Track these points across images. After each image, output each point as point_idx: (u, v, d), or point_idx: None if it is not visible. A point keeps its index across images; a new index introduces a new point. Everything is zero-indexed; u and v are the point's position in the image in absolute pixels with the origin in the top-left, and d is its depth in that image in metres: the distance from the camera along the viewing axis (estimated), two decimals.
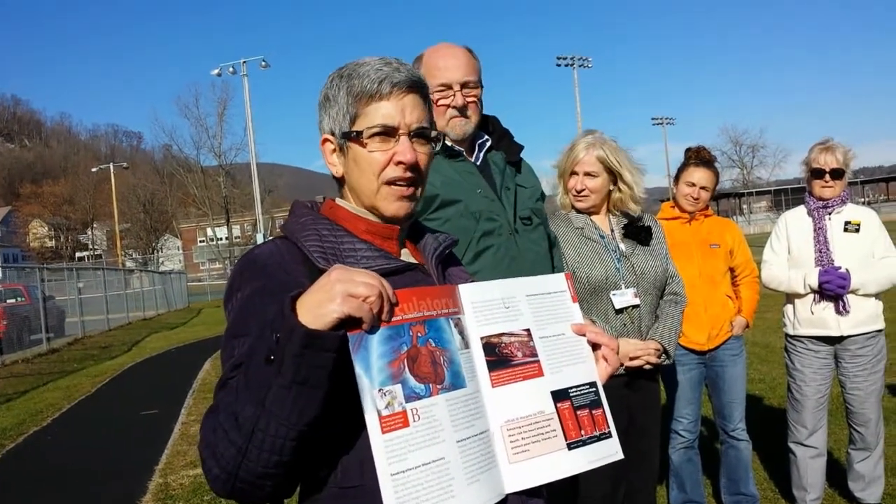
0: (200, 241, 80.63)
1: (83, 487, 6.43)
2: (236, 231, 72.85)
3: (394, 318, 1.31)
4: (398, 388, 1.28)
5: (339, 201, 1.63)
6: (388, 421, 1.26)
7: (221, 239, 69.33)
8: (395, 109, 1.52)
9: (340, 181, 1.63)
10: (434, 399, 1.33)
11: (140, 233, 79.47)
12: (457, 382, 1.38)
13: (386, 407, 1.26)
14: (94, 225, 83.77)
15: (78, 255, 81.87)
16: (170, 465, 6.85)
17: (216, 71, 43.10)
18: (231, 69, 42.45)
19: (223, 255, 63.55)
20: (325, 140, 1.60)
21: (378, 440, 1.24)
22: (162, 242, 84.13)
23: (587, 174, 3.29)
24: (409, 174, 1.55)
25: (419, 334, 1.34)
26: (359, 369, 1.25)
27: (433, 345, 1.36)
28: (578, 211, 3.38)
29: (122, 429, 8.79)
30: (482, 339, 1.46)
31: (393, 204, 1.56)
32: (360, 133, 1.52)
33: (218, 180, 66.83)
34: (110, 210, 68.34)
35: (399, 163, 1.53)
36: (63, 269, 26.00)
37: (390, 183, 1.54)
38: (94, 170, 72.37)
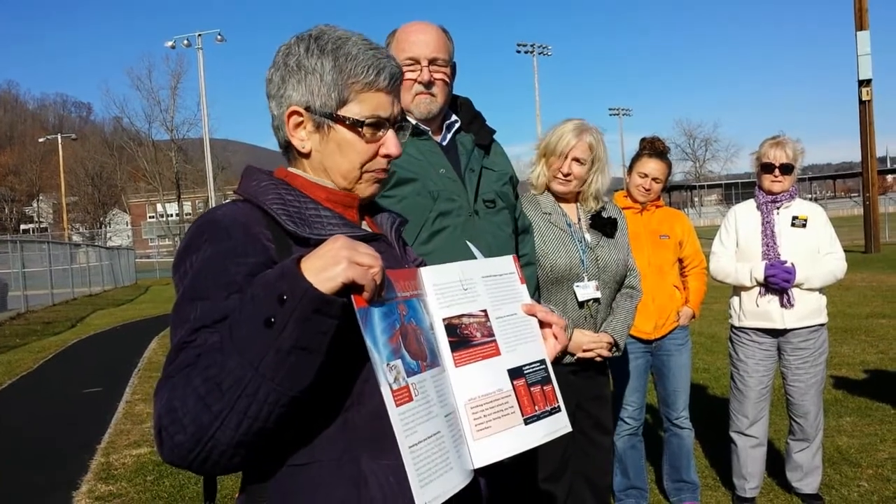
0: (150, 217, 79.37)
1: (22, 466, 6.29)
2: (187, 207, 71.78)
3: (389, 295, 1.34)
4: (400, 363, 1.31)
5: (292, 169, 1.58)
6: (399, 394, 1.29)
7: (172, 215, 68.29)
8: (388, 102, 1.52)
9: (295, 154, 1.57)
10: (424, 375, 1.37)
11: (87, 206, 77.86)
12: (434, 361, 1.41)
13: (394, 381, 1.29)
14: (41, 197, 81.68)
15: (23, 227, 79.87)
16: (112, 445, 6.74)
17: (170, 43, 42.33)
18: (186, 42, 41.73)
19: (173, 231, 62.62)
20: (295, 112, 1.51)
21: (394, 413, 1.27)
22: (110, 217, 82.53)
23: (576, 160, 3.26)
24: (388, 165, 1.57)
25: (403, 313, 1.37)
26: (369, 343, 1.26)
27: (414, 324, 1.39)
28: (553, 194, 3.35)
29: (64, 407, 8.62)
30: (444, 320, 1.48)
31: (371, 187, 1.58)
32: (359, 122, 1.49)
33: (169, 155, 65.67)
34: (57, 182, 66.90)
35: (385, 155, 1.54)
36: (6, 241, 25.30)
37: (370, 171, 1.55)
38: (41, 140, 70.51)
